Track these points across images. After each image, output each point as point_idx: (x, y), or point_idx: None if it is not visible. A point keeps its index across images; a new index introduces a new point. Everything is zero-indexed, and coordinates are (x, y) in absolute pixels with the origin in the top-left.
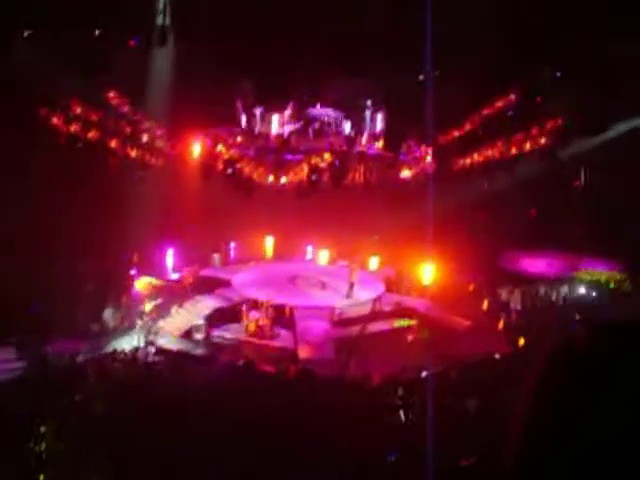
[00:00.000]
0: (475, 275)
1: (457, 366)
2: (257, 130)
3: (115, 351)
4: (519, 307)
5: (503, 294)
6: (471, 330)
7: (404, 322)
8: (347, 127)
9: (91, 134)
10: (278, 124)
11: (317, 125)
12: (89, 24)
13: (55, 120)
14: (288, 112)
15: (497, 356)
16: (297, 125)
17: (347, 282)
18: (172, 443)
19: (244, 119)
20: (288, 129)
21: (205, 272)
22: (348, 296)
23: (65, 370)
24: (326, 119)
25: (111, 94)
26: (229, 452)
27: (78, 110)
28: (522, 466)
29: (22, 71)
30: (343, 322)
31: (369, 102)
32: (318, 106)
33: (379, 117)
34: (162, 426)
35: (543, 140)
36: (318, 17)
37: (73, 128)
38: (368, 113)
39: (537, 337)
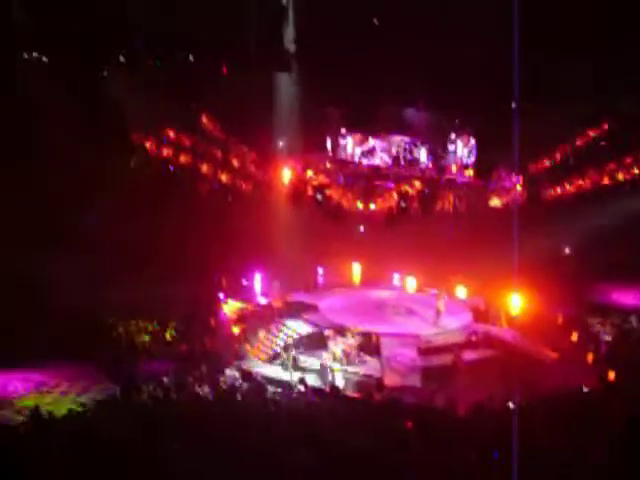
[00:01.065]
0: (564, 306)
1: (544, 398)
2: (346, 157)
3: (201, 374)
4: (609, 339)
5: (593, 326)
6: (559, 362)
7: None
8: (423, 155)
9: (183, 158)
10: (366, 151)
11: (402, 152)
12: (183, 49)
13: (148, 145)
14: (376, 141)
15: (585, 389)
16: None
17: (434, 310)
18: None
19: (332, 146)
20: (376, 156)
21: (293, 297)
22: (435, 323)
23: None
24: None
25: (204, 119)
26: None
27: (171, 135)
28: None
29: (117, 95)
30: (430, 350)
31: (458, 131)
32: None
33: (470, 146)
34: (250, 453)
35: (637, 170)
36: (413, 45)
37: (165, 152)
38: (459, 142)
39: (629, 371)
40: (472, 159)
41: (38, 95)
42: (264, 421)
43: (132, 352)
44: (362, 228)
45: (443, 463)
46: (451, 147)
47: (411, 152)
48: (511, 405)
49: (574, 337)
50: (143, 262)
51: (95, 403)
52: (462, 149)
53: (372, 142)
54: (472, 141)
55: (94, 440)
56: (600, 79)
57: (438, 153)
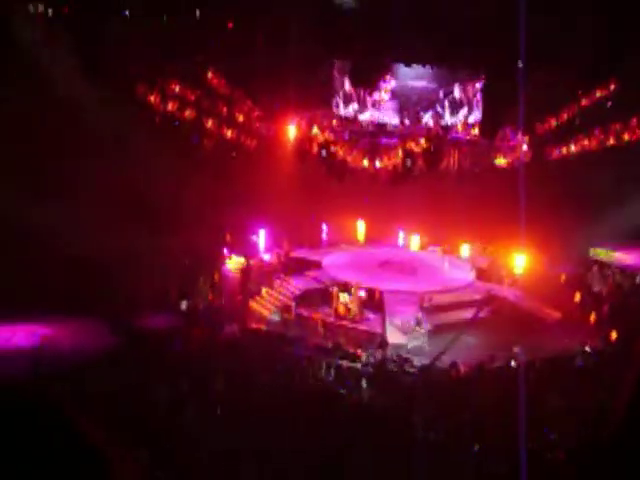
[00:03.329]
0: (568, 266)
1: (546, 357)
2: (351, 113)
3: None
4: (613, 300)
5: (596, 286)
6: (561, 322)
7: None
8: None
9: (187, 113)
10: (373, 107)
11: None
12: (190, 6)
13: (152, 98)
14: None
15: (587, 349)
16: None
17: (439, 268)
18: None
19: (339, 103)
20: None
21: (296, 253)
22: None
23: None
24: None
25: (210, 74)
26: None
27: (176, 89)
28: (622, 452)
29: (120, 50)
30: (433, 308)
31: (465, 87)
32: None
33: (477, 105)
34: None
35: None
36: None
37: (170, 106)
38: (464, 100)
39: (632, 331)
40: (478, 116)
41: (40, 47)
42: None
43: (132, 306)
44: (366, 199)
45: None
46: (455, 105)
47: (417, 111)
48: (513, 364)
49: (576, 297)
50: (146, 214)
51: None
52: (467, 107)
53: (380, 94)
54: (478, 96)
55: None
56: (602, 39)
57: (439, 112)
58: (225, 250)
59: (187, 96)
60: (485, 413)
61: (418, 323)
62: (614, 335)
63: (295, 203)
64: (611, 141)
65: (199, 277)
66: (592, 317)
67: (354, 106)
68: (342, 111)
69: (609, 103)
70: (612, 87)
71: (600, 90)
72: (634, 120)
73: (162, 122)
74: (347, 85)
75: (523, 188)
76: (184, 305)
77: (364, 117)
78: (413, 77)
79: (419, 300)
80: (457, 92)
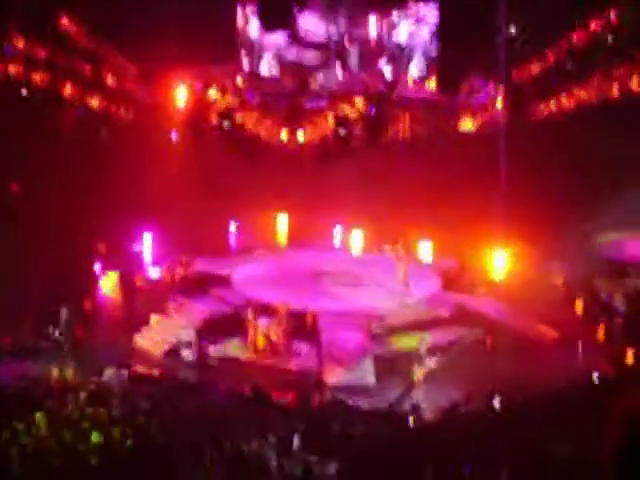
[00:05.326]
0: (565, 265)
1: (541, 393)
2: (263, 69)
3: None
4: (625, 309)
5: (604, 291)
6: (559, 342)
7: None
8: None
9: (38, 76)
10: (291, 54)
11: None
12: None
13: None
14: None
15: (595, 378)
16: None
17: (392, 276)
18: None
19: (246, 54)
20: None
21: (196, 266)
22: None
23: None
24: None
25: (64, 21)
26: None
27: (19, 44)
28: None
29: None
30: (385, 333)
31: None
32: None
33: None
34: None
35: None
36: None
37: (13, 69)
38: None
39: None
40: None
41: None
42: None
43: None
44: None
45: None
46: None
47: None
48: (496, 405)
49: (579, 307)
50: None
51: None
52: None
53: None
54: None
55: None
56: None
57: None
58: (98, 266)
59: (35, 53)
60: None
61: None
62: (630, 357)
63: (191, 195)
64: (615, 91)
65: (62, 306)
66: (600, 333)
67: (267, 57)
68: (249, 66)
69: (611, 38)
70: (613, 17)
71: (598, 21)
72: None
73: (2, 91)
74: (254, 27)
75: (503, 161)
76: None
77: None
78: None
79: (366, 323)
80: (403, 31)
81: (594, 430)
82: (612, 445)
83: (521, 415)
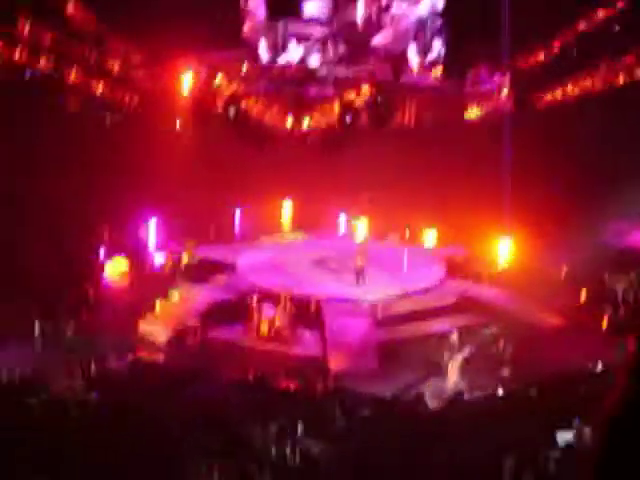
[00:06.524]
0: (569, 254)
1: (543, 382)
2: (269, 56)
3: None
4: (630, 298)
5: (608, 280)
6: (563, 330)
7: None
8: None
9: (41, 62)
10: (298, 46)
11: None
12: None
13: None
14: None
15: (599, 367)
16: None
17: (396, 262)
18: None
19: (252, 40)
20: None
21: (200, 252)
22: (358, 283)
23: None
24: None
25: (70, 6)
26: None
27: (24, 30)
28: None
29: None
30: (389, 320)
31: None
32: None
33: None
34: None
35: None
36: None
37: (16, 55)
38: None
39: None
40: (440, 52)
41: None
42: None
43: None
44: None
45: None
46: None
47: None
48: (499, 393)
49: (583, 296)
50: None
51: None
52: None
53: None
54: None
55: None
56: None
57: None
58: (102, 250)
59: (41, 38)
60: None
61: None
62: (635, 344)
63: (196, 181)
64: (621, 80)
65: (67, 290)
66: (604, 322)
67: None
68: (255, 52)
69: (617, 27)
70: (620, 5)
71: (605, 9)
72: None
73: (6, 76)
74: (262, 12)
75: (508, 149)
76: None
77: (287, 59)
78: None
79: (370, 310)
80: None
81: (595, 421)
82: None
83: (524, 404)
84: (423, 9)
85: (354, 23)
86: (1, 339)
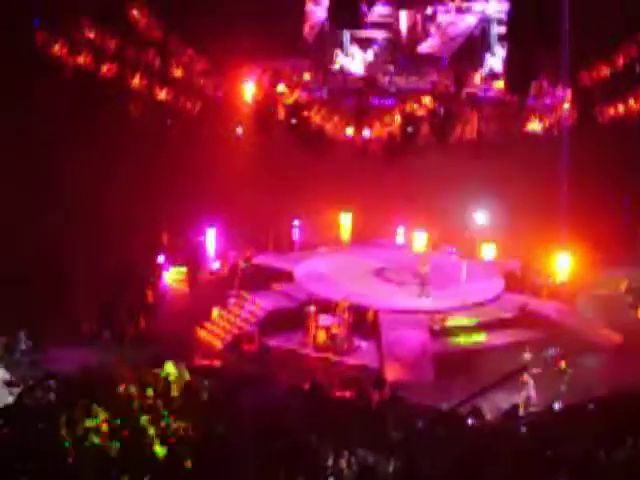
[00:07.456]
0: (630, 269)
1: (603, 399)
2: (331, 64)
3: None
4: None
5: None
6: (624, 347)
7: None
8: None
9: (106, 68)
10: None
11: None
12: None
13: (57, 48)
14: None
15: None
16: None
17: (455, 276)
18: None
19: (315, 50)
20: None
21: (259, 260)
22: (422, 294)
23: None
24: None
25: (134, 12)
26: None
27: (90, 35)
28: None
29: None
30: (447, 332)
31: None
32: None
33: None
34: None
35: None
36: None
37: (82, 59)
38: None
39: None
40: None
41: None
42: None
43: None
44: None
45: None
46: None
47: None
48: (556, 407)
49: None
50: (47, 207)
51: None
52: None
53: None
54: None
55: None
56: None
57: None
58: (161, 258)
59: (105, 44)
60: None
61: None
62: None
63: (255, 190)
64: None
65: (127, 295)
66: None
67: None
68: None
69: None
70: None
71: None
72: None
73: (72, 81)
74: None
75: (566, 162)
76: (107, 335)
77: (348, 69)
78: None
79: (429, 321)
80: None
81: None
82: None
83: (581, 419)
84: (471, 20)
85: (416, 33)
86: (63, 344)
